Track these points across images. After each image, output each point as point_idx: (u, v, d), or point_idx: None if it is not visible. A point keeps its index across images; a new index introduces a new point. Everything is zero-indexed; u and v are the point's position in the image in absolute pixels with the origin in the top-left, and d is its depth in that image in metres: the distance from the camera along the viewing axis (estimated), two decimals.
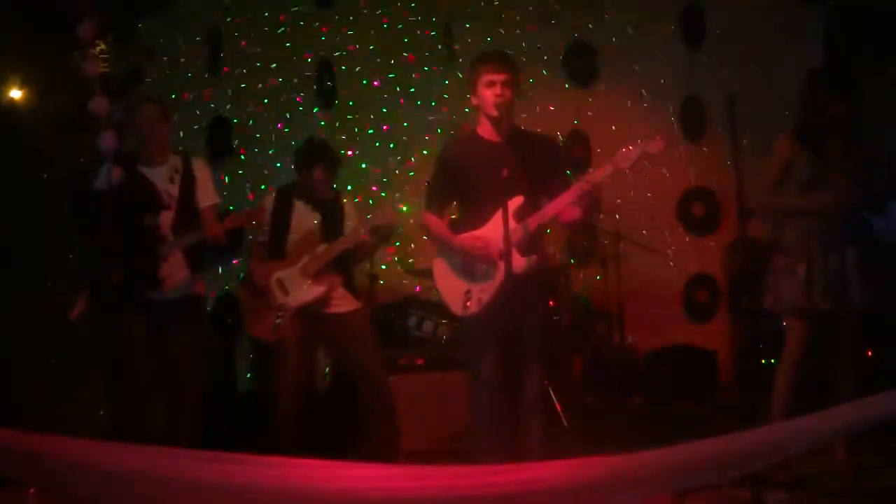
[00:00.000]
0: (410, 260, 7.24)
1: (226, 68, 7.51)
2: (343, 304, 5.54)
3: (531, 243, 4.51)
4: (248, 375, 7.10)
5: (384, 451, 5.42)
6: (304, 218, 5.57)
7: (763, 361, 5.19)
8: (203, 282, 5.37)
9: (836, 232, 4.96)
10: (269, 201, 5.64)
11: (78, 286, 5.07)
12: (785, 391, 4.99)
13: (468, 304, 4.54)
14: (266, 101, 7.49)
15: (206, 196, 5.30)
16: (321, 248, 5.49)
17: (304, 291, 5.46)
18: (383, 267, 7.25)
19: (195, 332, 5.31)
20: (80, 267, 5.13)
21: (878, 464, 5.12)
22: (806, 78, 5.15)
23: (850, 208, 4.98)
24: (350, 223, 5.60)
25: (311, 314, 5.48)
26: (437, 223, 4.74)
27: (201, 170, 5.33)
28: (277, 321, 5.43)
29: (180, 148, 5.53)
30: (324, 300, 5.48)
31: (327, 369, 6.52)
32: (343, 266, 5.57)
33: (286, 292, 5.47)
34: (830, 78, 5.12)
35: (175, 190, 5.20)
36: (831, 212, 4.94)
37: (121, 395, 5.13)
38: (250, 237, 5.79)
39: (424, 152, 7.26)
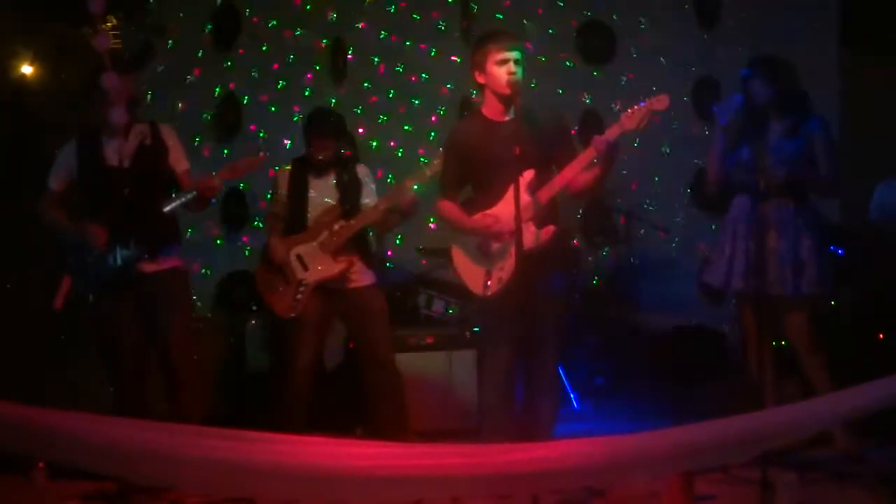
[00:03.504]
0: (421, 241, 7.22)
1: (238, 46, 7.48)
2: (361, 278, 5.55)
3: (545, 216, 4.50)
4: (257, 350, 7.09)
5: (393, 428, 5.44)
6: (322, 192, 5.56)
7: (773, 343, 5.20)
8: (180, 255, 5.29)
9: (769, 213, 4.99)
10: (283, 175, 5.64)
11: (59, 270, 5.04)
12: (769, 376, 5.04)
13: (489, 283, 4.55)
14: (277, 78, 7.46)
15: (180, 161, 5.21)
16: (340, 223, 5.49)
17: (325, 267, 5.47)
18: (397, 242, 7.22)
19: (184, 305, 5.27)
20: (59, 248, 5.08)
21: (885, 446, 5.11)
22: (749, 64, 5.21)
23: (783, 190, 5.03)
24: (368, 199, 5.59)
25: (331, 289, 5.50)
26: (452, 208, 4.75)
27: (170, 136, 5.22)
28: (298, 297, 5.44)
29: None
30: (343, 276, 5.49)
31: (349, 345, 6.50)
32: (361, 241, 5.57)
33: (305, 268, 5.48)
34: (765, 65, 5.13)
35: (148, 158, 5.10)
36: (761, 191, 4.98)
37: (117, 375, 5.12)
38: (269, 213, 5.78)
39: (433, 133, 7.26)
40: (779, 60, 5.21)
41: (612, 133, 4.40)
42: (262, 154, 5.57)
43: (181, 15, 7.34)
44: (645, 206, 7.43)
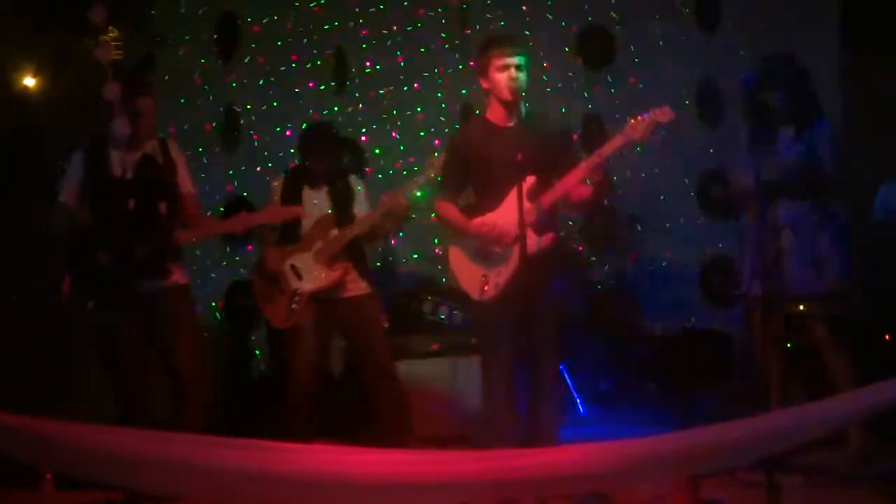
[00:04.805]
0: (424, 245, 7.23)
1: (239, 55, 7.50)
2: (355, 287, 5.56)
3: (546, 223, 4.51)
4: (260, 360, 7.09)
5: (398, 435, 5.44)
6: (316, 202, 5.57)
7: (785, 345, 5.19)
8: (183, 270, 5.24)
9: (782, 215, 4.98)
10: (278, 185, 5.64)
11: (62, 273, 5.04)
12: (776, 379, 5.02)
13: (486, 288, 4.55)
14: (279, 88, 7.47)
15: (185, 182, 5.20)
16: (334, 232, 5.50)
17: (319, 277, 5.48)
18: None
19: (187, 318, 5.23)
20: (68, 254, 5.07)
21: (892, 448, 5.10)
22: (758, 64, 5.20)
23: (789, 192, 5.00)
24: (361, 207, 5.60)
25: (326, 299, 5.50)
26: (451, 210, 4.76)
27: (179, 155, 5.22)
28: (293, 306, 5.45)
29: None
30: (338, 285, 5.50)
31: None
32: (355, 250, 5.58)
33: (300, 277, 5.48)
34: (774, 66, 5.12)
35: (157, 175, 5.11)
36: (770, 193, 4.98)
37: (120, 385, 5.12)
38: (263, 224, 5.78)
39: (435, 141, 7.26)
40: (789, 60, 5.19)
41: (614, 144, 4.41)
42: (301, 209, 5.53)
43: (183, 25, 7.36)
44: (648, 209, 7.42)
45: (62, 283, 4.99)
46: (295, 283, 5.49)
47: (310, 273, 5.50)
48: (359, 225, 5.51)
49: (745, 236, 5.22)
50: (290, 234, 5.58)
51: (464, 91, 7.26)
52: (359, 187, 5.69)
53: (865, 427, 4.96)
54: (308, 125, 5.89)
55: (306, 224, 5.56)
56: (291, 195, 5.58)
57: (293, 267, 5.51)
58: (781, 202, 4.96)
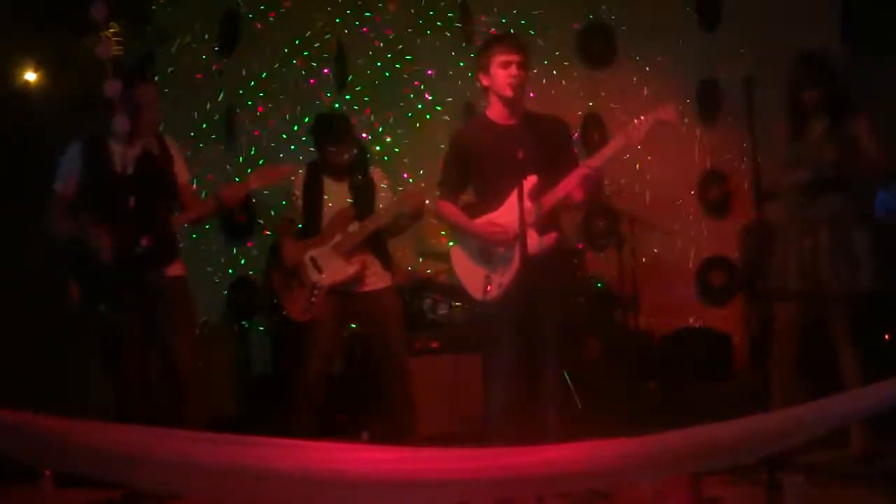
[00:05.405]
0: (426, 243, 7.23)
1: (240, 51, 7.50)
2: (376, 281, 5.54)
3: (547, 223, 4.50)
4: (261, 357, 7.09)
5: (402, 432, 5.43)
6: (336, 195, 5.56)
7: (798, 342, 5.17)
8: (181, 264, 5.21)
9: (820, 211, 4.96)
10: (299, 178, 5.63)
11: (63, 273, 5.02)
12: (783, 377, 5.00)
13: (489, 288, 4.54)
14: (280, 83, 7.47)
15: (182, 173, 5.20)
16: (354, 225, 5.48)
17: (339, 270, 5.46)
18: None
19: (186, 314, 5.22)
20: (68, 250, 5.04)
21: (893, 446, 5.09)
22: (794, 62, 5.17)
23: (827, 187, 4.98)
24: (383, 202, 5.58)
25: (345, 292, 5.48)
26: (452, 210, 4.75)
27: (174, 148, 5.22)
28: (312, 299, 5.43)
29: None
30: (358, 278, 5.47)
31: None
32: (377, 243, 5.56)
33: (320, 270, 5.46)
34: (810, 63, 5.10)
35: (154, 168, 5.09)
36: (808, 189, 4.96)
37: (122, 390, 5.11)
38: (283, 216, 5.79)
39: (436, 138, 7.25)
40: (825, 56, 5.17)
41: (615, 144, 4.41)
42: (292, 167, 5.52)
43: (184, 20, 7.37)
44: (648, 209, 7.42)
45: (70, 290, 4.97)
46: (314, 276, 5.47)
47: (329, 266, 5.47)
48: (377, 218, 5.49)
49: (768, 233, 5.17)
50: (310, 228, 5.56)
51: (467, 88, 7.27)
52: (382, 183, 5.67)
53: (867, 425, 4.95)
54: (318, 116, 5.85)
55: (326, 216, 5.55)
56: (313, 188, 5.57)
57: (313, 259, 5.50)
58: (820, 197, 4.95)
